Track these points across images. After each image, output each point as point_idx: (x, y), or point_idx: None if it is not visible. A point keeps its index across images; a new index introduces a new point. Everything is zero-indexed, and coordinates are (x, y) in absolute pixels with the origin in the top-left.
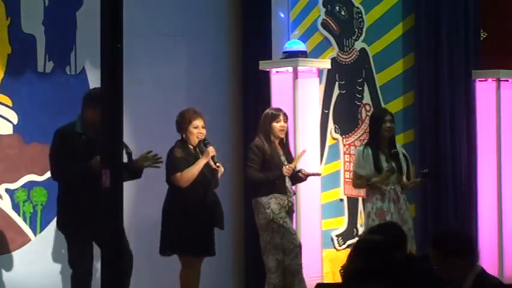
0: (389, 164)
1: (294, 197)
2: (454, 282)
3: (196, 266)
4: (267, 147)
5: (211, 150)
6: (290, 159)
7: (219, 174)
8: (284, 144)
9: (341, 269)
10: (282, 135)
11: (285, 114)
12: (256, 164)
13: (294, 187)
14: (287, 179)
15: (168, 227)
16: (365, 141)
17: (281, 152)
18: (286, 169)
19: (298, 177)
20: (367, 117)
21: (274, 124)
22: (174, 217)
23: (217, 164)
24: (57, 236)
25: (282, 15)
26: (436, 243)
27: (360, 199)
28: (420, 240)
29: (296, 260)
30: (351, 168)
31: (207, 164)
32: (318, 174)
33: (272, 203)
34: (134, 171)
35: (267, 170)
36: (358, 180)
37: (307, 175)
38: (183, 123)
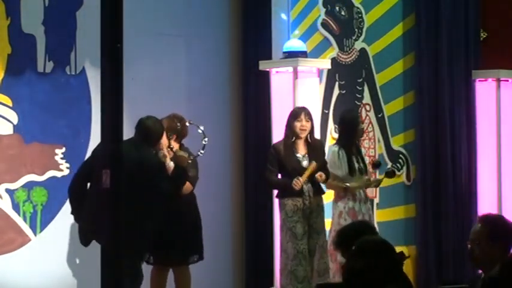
0: (360, 165)
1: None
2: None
3: (163, 270)
4: (283, 148)
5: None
6: (316, 157)
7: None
8: (309, 143)
9: (343, 269)
10: (303, 135)
11: (307, 113)
12: (273, 165)
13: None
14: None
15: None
16: (335, 142)
17: (303, 152)
18: (295, 183)
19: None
20: (367, 117)
21: (295, 123)
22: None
23: None
24: (57, 236)
25: (284, 16)
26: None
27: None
28: (421, 240)
29: (300, 266)
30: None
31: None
32: (324, 182)
33: (288, 204)
34: None
35: (283, 170)
36: (334, 181)
37: (323, 180)
38: None
